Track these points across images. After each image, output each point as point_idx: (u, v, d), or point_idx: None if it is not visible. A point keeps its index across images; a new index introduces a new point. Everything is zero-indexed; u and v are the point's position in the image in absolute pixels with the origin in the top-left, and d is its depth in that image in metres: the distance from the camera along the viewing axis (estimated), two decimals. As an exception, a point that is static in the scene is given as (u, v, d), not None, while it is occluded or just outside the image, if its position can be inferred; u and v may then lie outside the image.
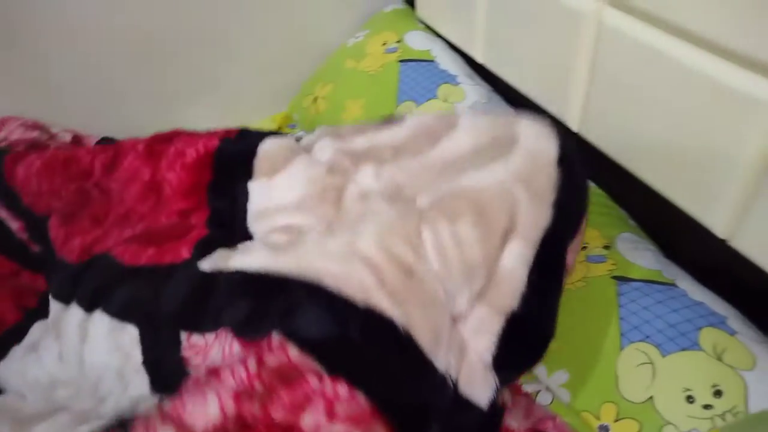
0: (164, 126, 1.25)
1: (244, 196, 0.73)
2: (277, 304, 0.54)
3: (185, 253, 0.65)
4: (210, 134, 0.80)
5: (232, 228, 0.71)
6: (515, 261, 0.58)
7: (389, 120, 0.75)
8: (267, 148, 0.75)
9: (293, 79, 1.31)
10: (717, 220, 0.68)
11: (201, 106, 1.24)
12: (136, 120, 1.07)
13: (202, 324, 0.57)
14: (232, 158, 0.76)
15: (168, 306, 0.60)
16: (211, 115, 1.25)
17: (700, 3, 0.60)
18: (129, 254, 0.67)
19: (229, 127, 0.82)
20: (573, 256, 0.66)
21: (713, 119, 0.64)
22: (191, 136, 0.80)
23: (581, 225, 0.67)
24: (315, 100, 1.23)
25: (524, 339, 0.60)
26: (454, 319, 0.57)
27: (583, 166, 0.66)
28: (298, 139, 0.80)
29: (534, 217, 0.60)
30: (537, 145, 0.64)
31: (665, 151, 0.72)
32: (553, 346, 0.71)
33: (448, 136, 0.68)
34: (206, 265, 0.62)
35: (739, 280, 0.72)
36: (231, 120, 1.29)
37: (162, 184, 0.76)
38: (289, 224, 0.67)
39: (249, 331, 0.54)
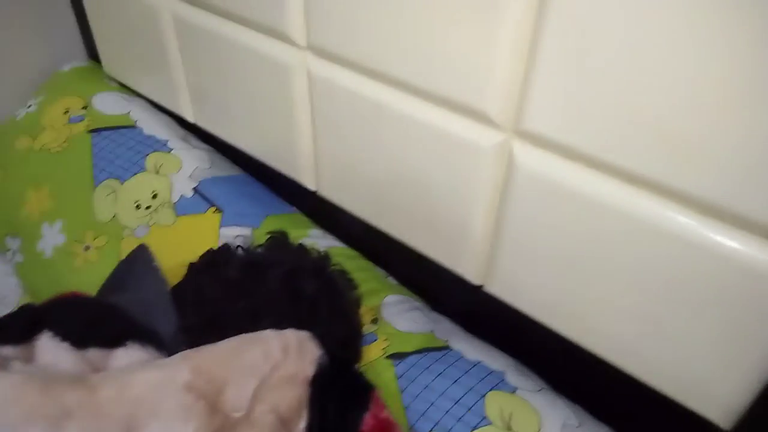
0: None
1: None
2: None
3: None
4: None
5: None
6: None
7: None
8: None
9: (-54, 169, 0.97)
10: (468, 268, 0.64)
11: None
12: None
13: None
14: None
15: None
16: None
17: (392, 45, 0.54)
18: None
19: None
20: None
21: (440, 167, 0.59)
22: None
23: None
24: (-19, 195, 0.93)
25: None
26: None
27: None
28: None
29: None
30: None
31: (398, 201, 0.65)
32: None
33: None
34: None
35: (499, 320, 0.69)
36: None
37: None
38: None
39: None
